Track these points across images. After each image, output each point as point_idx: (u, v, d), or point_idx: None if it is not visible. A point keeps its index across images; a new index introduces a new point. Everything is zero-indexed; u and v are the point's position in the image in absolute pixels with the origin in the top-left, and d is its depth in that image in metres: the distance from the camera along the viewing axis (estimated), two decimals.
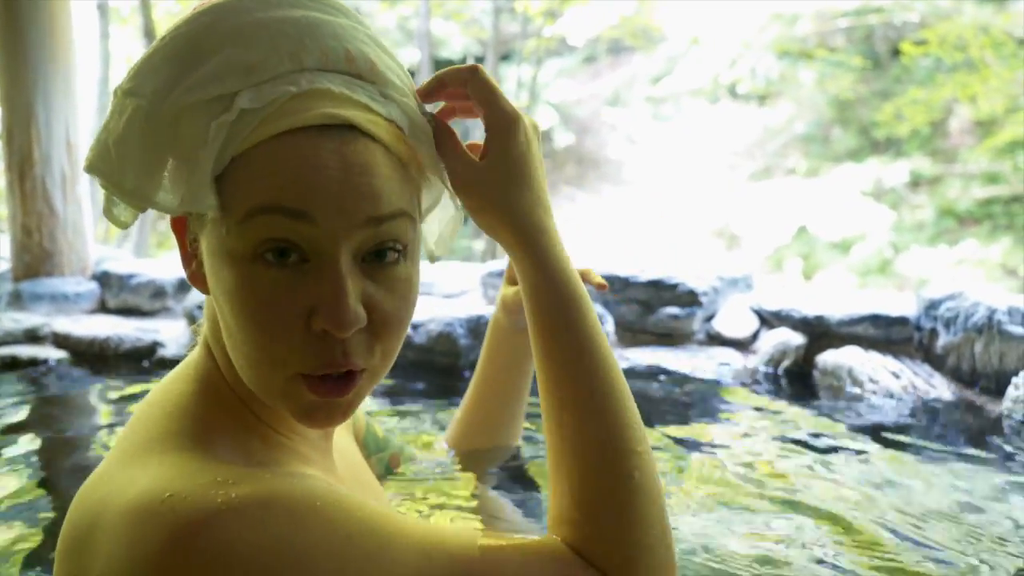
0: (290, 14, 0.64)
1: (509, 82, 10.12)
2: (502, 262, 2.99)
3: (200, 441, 0.65)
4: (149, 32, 6.77)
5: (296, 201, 0.61)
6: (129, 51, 8.94)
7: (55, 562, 0.63)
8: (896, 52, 9.47)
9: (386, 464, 1.20)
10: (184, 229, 0.70)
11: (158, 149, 0.63)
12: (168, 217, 0.70)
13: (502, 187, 0.73)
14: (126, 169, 0.64)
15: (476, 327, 2.37)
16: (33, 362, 2.42)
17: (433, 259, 0.83)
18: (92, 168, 0.65)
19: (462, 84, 0.74)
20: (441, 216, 0.83)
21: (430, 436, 1.54)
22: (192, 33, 0.64)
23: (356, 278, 0.64)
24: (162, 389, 0.72)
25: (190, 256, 0.70)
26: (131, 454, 0.65)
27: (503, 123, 0.73)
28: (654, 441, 1.64)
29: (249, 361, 0.65)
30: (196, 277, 0.70)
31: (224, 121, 0.61)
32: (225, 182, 0.62)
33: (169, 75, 0.63)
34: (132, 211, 0.69)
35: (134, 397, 2.13)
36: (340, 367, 0.64)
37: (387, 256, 0.66)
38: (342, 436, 0.94)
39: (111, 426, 1.86)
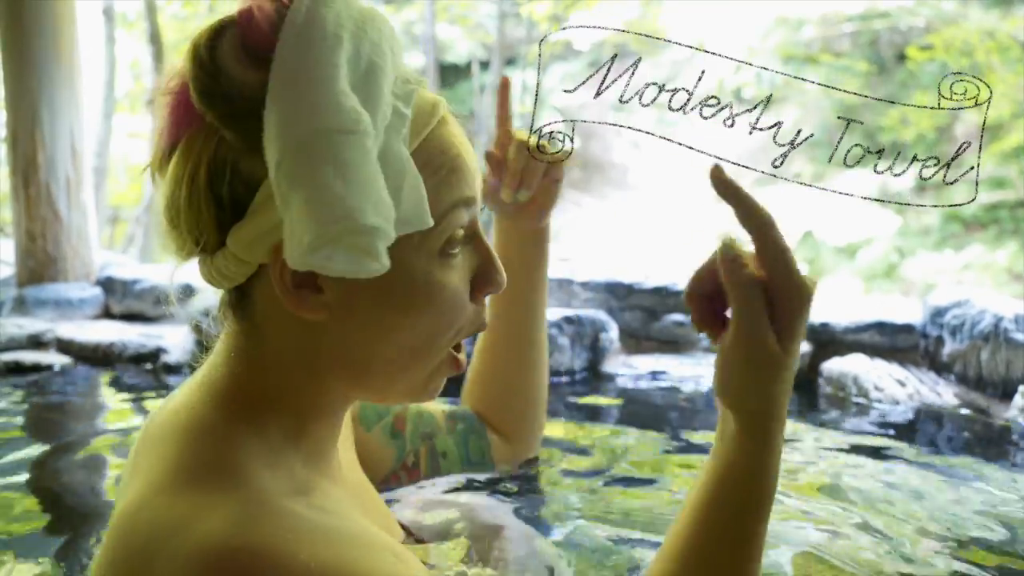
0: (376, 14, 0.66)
1: (514, 87, 10.12)
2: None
3: (233, 474, 0.62)
4: (155, 37, 6.78)
5: (473, 188, 0.69)
6: (135, 56, 8.95)
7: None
8: (902, 57, 9.44)
9: (391, 427, 1.13)
10: (276, 260, 0.62)
11: (377, 178, 0.60)
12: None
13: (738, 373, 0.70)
14: (366, 209, 0.58)
15: None
16: (37, 368, 2.42)
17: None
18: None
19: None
20: None
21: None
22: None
23: None
24: (185, 412, 0.68)
25: (288, 286, 0.63)
26: (177, 484, 0.61)
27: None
28: (659, 448, 1.64)
29: (411, 357, 0.68)
30: (303, 303, 0.64)
31: (405, 134, 0.63)
32: None
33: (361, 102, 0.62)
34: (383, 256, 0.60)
35: (138, 403, 2.13)
36: (486, 325, 0.73)
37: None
38: (346, 449, 0.92)
39: (114, 432, 1.86)
